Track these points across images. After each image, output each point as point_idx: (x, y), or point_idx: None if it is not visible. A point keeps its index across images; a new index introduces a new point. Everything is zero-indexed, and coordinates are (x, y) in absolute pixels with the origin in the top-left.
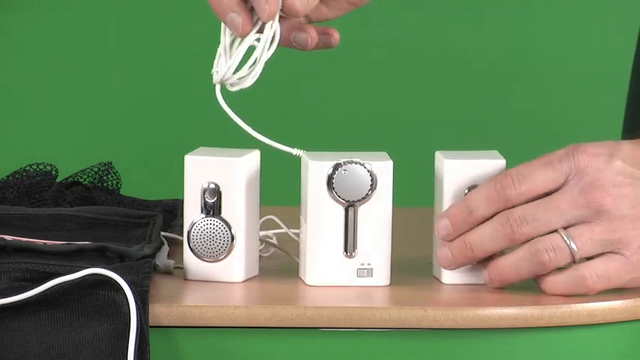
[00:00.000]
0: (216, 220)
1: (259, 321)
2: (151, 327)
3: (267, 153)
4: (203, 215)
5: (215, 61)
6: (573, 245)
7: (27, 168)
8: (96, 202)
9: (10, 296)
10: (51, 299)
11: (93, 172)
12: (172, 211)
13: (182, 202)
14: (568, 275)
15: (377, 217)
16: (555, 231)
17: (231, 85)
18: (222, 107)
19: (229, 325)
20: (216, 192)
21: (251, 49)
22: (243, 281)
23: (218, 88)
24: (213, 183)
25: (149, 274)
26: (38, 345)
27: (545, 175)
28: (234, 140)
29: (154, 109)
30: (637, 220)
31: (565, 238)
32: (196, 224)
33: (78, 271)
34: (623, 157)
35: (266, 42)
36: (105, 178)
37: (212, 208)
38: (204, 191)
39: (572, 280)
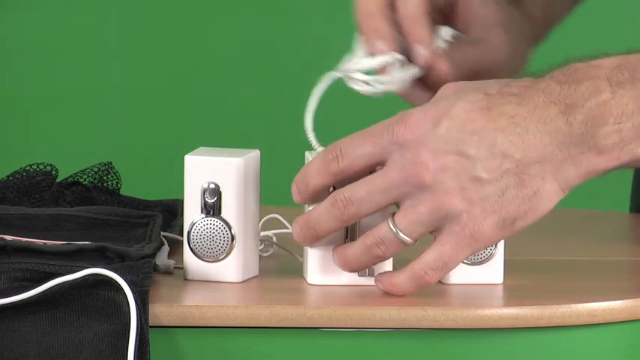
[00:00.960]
0: (216, 220)
1: (259, 321)
2: (150, 327)
3: (267, 153)
4: (203, 215)
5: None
6: (402, 235)
7: (27, 168)
8: (96, 202)
9: (10, 296)
10: (51, 299)
11: (93, 172)
12: (172, 211)
13: (182, 202)
14: (406, 277)
15: (379, 216)
16: (385, 221)
17: (351, 79)
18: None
19: (229, 325)
20: (216, 192)
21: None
22: (243, 281)
23: (339, 75)
24: (213, 183)
25: (149, 274)
26: (38, 345)
27: (365, 150)
28: (234, 140)
29: (154, 109)
30: (464, 191)
31: (392, 227)
32: (196, 224)
33: (78, 271)
34: (452, 119)
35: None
36: (105, 178)
37: (212, 208)
38: (204, 191)
39: (411, 280)
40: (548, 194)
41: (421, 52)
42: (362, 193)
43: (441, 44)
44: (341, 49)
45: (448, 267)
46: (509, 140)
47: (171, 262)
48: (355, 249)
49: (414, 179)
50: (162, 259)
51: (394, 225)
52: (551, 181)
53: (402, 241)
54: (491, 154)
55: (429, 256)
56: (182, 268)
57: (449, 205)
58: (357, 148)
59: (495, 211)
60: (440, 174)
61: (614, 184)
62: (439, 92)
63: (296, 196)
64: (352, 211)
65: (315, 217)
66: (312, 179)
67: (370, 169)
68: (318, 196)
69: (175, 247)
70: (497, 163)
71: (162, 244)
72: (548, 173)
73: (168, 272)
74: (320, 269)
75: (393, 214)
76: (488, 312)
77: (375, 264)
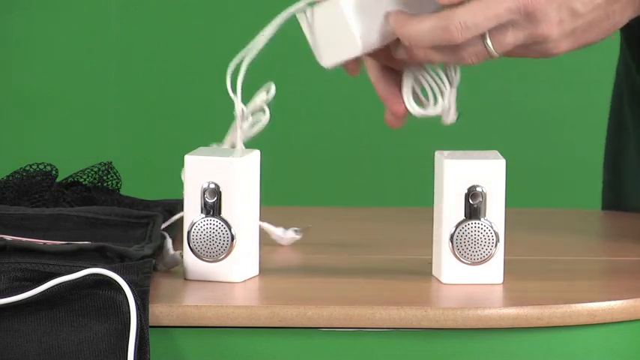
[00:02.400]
0: (216, 220)
1: (259, 321)
2: (150, 327)
3: (267, 153)
4: (203, 215)
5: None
6: (491, 48)
7: (27, 168)
8: (96, 202)
9: (10, 296)
10: (51, 299)
11: (93, 172)
12: (172, 211)
13: (182, 202)
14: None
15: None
16: (482, 38)
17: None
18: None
19: (229, 325)
20: (216, 192)
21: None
22: (243, 281)
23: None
24: (213, 183)
25: (149, 274)
26: (38, 345)
27: None
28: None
29: (154, 109)
30: (562, 24)
31: (489, 49)
32: (196, 224)
33: (78, 271)
34: None
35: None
36: (105, 178)
37: (212, 208)
38: (204, 191)
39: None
40: (619, 26)
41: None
42: (479, 19)
43: None
44: None
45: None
46: None
47: (178, 253)
48: (430, 30)
49: (527, 8)
50: (168, 251)
51: (491, 43)
52: (625, 16)
53: (489, 53)
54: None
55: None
56: (184, 263)
57: (546, 35)
58: None
59: (577, 40)
60: (547, 5)
61: (594, 183)
62: None
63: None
64: (466, 36)
65: (418, 37)
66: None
67: None
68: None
69: (175, 247)
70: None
71: (165, 238)
72: (625, 9)
73: (175, 264)
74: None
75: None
76: (488, 312)
77: (443, 59)
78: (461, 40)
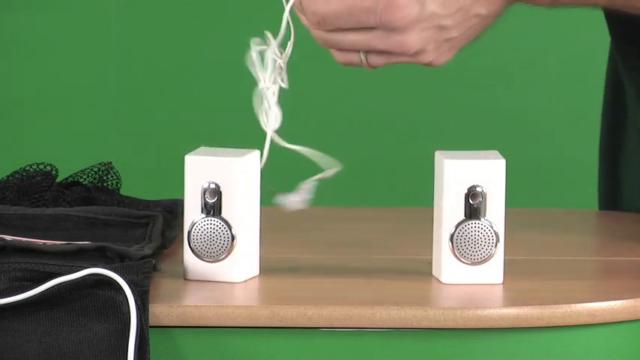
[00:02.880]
0: (216, 220)
1: (259, 321)
2: (151, 327)
3: (268, 153)
4: (203, 215)
5: None
6: (366, 62)
7: (27, 168)
8: (96, 202)
9: (10, 296)
10: (51, 299)
11: (93, 172)
12: (172, 211)
13: (182, 202)
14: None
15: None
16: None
17: None
18: None
19: (229, 325)
20: (217, 192)
21: None
22: (243, 281)
23: None
24: (213, 183)
25: (149, 274)
26: (38, 345)
27: (348, 23)
28: (234, 140)
29: (154, 109)
30: (439, 48)
31: (363, 61)
32: (196, 224)
33: (78, 271)
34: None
35: None
36: (105, 178)
37: (212, 208)
38: (204, 191)
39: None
40: (492, 20)
41: None
42: (345, 44)
43: None
44: None
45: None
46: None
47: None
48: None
49: (398, 52)
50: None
51: (366, 60)
52: (492, 8)
53: (366, 68)
54: (464, 18)
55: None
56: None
57: (424, 61)
58: (336, 21)
59: (455, 48)
60: (423, 46)
61: (594, 184)
62: None
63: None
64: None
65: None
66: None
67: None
68: None
69: (175, 247)
70: (463, 18)
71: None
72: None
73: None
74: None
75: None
76: (488, 312)
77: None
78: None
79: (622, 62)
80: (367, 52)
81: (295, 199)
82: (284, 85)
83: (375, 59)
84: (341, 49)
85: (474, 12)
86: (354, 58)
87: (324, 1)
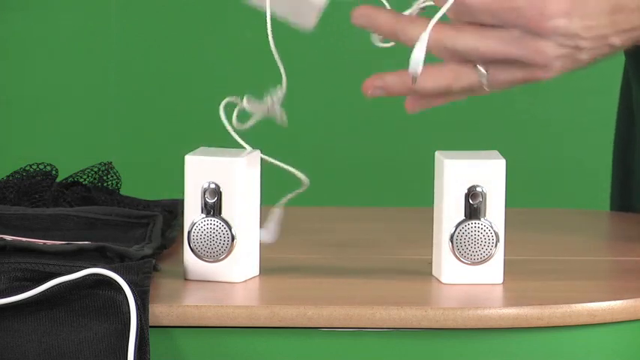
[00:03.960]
0: (216, 220)
1: (259, 321)
2: (150, 327)
3: (267, 153)
4: (203, 215)
5: None
6: (485, 82)
7: (27, 168)
8: (96, 202)
9: (10, 296)
10: (51, 299)
11: (93, 172)
12: (172, 211)
13: (182, 202)
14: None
15: None
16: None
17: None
18: None
19: (229, 325)
20: (217, 192)
21: None
22: (243, 281)
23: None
24: (213, 183)
25: (149, 274)
26: (38, 345)
27: (491, 18)
28: (234, 140)
29: (154, 109)
30: (564, 69)
31: (482, 71)
32: (196, 224)
33: (78, 271)
34: (580, 16)
35: None
36: (105, 178)
37: (212, 208)
38: (204, 191)
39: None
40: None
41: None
42: (480, 48)
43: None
44: (339, 48)
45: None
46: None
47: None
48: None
49: (527, 59)
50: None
51: (485, 72)
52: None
53: (483, 89)
54: (599, 45)
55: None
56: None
57: (544, 78)
58: (479, 14)
59: (569, 69)
60: (553, 61)
61: (594, 184)
62: None
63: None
64: (457, 56)
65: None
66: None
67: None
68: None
69: (175, 247)
70: (598, 44)
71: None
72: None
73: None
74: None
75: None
76: (488, 312)
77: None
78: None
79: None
80: (489, 64)
81: (264, 235)
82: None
83: (498, 73)
84: (460, 62)
85: (610, 42)
86: (471, 76)
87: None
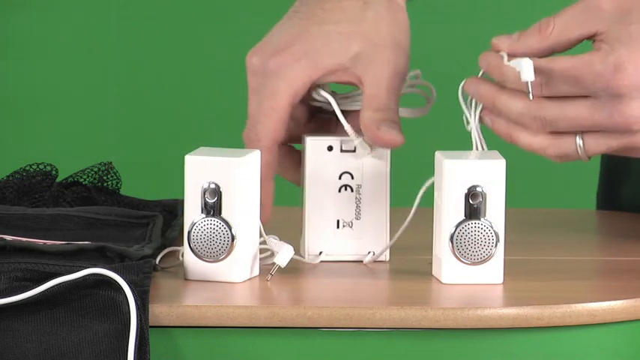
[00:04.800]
0: (216, 220)
1: (259, 321)
2: (150, 327)
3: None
4: (203, 215)
5: None
6: (583, 153)
7: (27, 168)
8: (96, 202)
9: (10, 296)
10: (51, 299)
11: (93, 172)
12: (172, 211)
13: (182, 202)
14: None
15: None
16: (573, 136)
17: None
18: None
19: (229, 325)
20: (217, 192)
21: None
22: (243, 281)
23: None
24: (213, 183)
25: (149, 274)
26: (38, 345)
27: (571, 87)
28: (234, 140)
29: (154, 109)
30: None
31: (579, 150)
32: (196, 224)
33: (78, 271)
34: None
35: None
36: (105, 178)
37: (212, 208)
38: (204, 191)
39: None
40: None
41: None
42: (563, 124)
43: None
44: None
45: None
46: None
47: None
48: (534, 140)
49: (619, 126)
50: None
51: (582, 145)
52: None
53: (581, 157)
54: None
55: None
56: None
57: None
58: (561, 83)
59: None
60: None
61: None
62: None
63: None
64: (546, 131)
65: (503, 94)
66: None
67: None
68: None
69: (175, 247)
70: None
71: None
72: None
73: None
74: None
75: (582, 133)
76: (488, 312)
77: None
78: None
79: None
80: (583, 134)
81: (280, 258)
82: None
83: (593, 143)
84: (556, 133)
85: None
86: (569, 146)
87: (549, 60)
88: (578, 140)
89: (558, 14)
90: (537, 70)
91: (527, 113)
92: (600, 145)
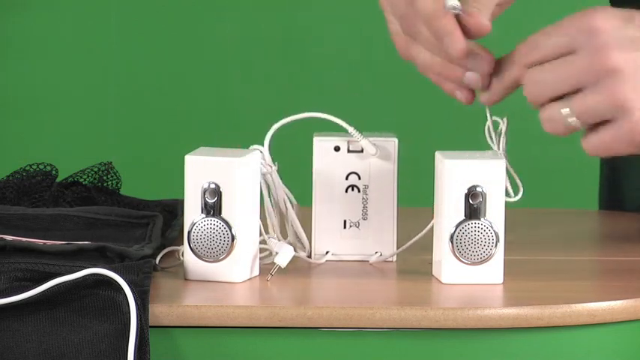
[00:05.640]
0: (216, 220)
1: (259, 321)
2: (150, 327)
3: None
4: (203, 215)
5: None
6: (573, 119)
7: (27, 168)
8: (96, 202)
9: (10, 296)
10: (51, 299)
11: (93, 172)
12: (172, 211)
13: (182, 202)
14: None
15: None
16: (556, 104)
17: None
18: None
19: (229, 325)
20: (217, 192)
21: None
22: (243, 281)
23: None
24: (213, 183)
25: (149, 274)
26: (38, 345)
27: (555, 40)
28: (234, 140)
29: (154, 109)
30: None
31: (564, 115)
32: (196, 224)
33: (78, 271)
34: (636, 24)
35: None
36: (105, 178)
37: (212, 208)
38: (204, 191)
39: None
40: None
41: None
42: (548, 76)
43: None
44: (338, 49)
45: (609, 152)
46: None
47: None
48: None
49: (598, 65)
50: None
51: (567, 114)
52: None
53: (571, 125)
54: None
55: (590, 137)
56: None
57: (625, 95)
58: (548, 40)
59: None
60: (623, 63)
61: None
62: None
63: (488, 86)
64: (534, 93)
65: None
66: (507, 71)
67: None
68: (509, 87)
69: (175, 247)
70: None
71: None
72: None
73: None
74: None
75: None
76: (488, 312)
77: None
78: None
79: None
80: (571, 98)
81: (280, 259)
82: None
83: (580, 102)
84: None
85: None
86: (556, 113)
87: (534, 34)
88: (563, 107)
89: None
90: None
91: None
92: (587, 100)
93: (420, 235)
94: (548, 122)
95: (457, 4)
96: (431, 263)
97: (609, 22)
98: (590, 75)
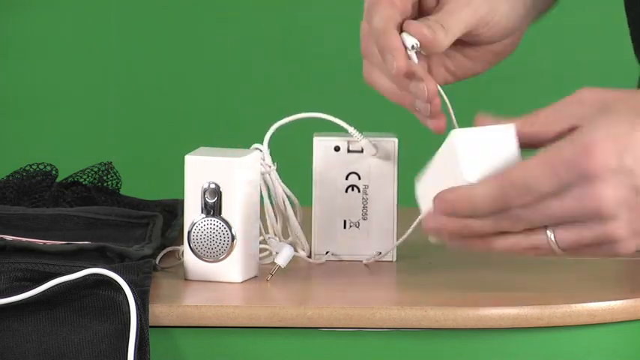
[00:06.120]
0: (216, 220)
1: (259, 321)
2: (150, 327)
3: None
4: (203, 215)
5: None
6: (557, 248)
7: (27, 168)
8: (96, 202)
9: (10, 296)
10: (51, 299)
11: (93, 172)
12: (172, 211)
13: (182, 202)
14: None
15: None
16: (544, 230)
17: None
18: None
19: (229, 325)
20: (217, 192)
21: None
22: (243, 281)
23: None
24: (213, 183)
25: (149, 274)
26: (38, 345)
27: (546, 187)
28: (234, 140)
29: (154, 109)
30: (632, 223)
31: (552, 239)
32: (196, 224)
33: (78, 271)
34: (634, 153)
35: None
36: (105, 178)
37: (212, 208)
38: (204, 191)
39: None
40: None
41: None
42: (535, 217)
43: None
44: (338, 49)
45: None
46: None
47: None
48: (507, 242)
49: (591, 213)
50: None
51: (554, 238)
52: None
53: (554, 252)
54: None
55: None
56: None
57: (615, 234)
58: (538, 185)
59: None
60: (617, 208)
61: None
62: (577, 103)
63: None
64: (519, 228)
65: (474, 222)
66: (484, 210)
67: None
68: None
69: (175, 247)
70: None
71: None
72: None
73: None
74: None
75: (553, 227)
76: (488, 312)
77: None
78: (510, 229)
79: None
80: (556, 227)
81: (281, 259)
82: None
83: (564, 234)
84: (530, 230)
85: None
86: (541, 239)
87: (521, 168)
88: (549, 234)
89: (545, 107)
90: (511, 186)
91: (498, 218)
92: (572, 234)
93: (411, 228)
94: (533, 246)
95: (416, 42)
96: (431, 263)
97: (605, 161)
98: (582, 217)
